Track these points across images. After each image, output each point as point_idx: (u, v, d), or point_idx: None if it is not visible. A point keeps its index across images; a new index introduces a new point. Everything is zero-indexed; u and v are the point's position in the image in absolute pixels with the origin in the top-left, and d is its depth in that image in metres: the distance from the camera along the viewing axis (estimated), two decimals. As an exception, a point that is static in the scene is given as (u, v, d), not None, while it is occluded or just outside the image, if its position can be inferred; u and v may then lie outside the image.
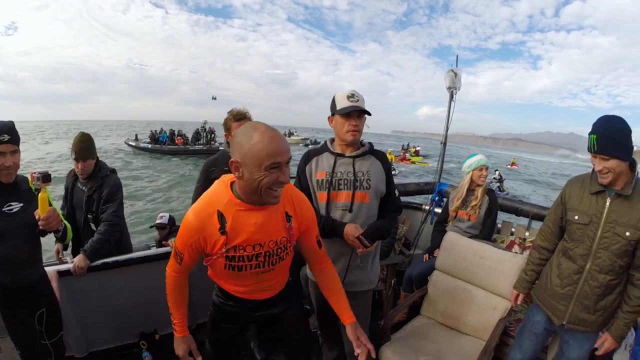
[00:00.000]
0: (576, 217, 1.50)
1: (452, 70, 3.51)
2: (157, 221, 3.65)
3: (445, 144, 3.40)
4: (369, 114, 1.57)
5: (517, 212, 3.00)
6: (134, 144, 23.74)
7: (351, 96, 1.53)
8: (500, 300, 1.97)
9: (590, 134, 1.40)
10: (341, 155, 1.61)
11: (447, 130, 3.36)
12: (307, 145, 41.89)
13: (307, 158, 1.66)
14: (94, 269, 1.99)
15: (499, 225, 2.88)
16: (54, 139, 40.01)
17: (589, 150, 1.41)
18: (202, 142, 23.04)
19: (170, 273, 1.30)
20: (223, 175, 1.23)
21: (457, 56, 3.71)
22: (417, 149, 32.45)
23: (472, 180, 2.56)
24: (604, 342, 1.52)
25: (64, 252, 2.36)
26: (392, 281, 2.65)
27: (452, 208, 2.62)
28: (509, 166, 31.90)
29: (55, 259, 2.33)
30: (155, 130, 24.10)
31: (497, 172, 18.11)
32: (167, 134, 23.57)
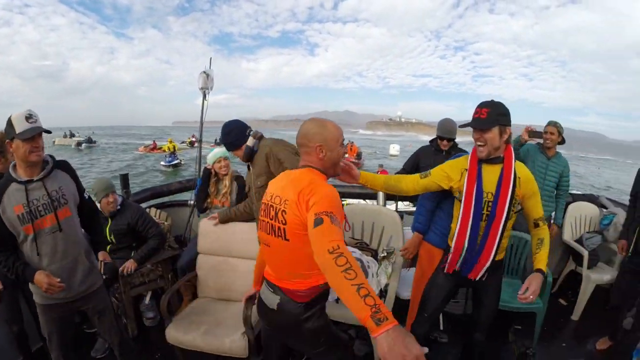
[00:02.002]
0: (258, 183, 2.10)
1: (205, 72, 3.75)
2: None
3: (201, 140, 3.63)
4: (49, 132, 1.62)
5: None
6: None
7: (29, 117, 1.56)
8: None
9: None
10: (30, 181, 1.61)
11: (201, 127, 3.60)
12: (79, 145, 33.84)
13: None
14: None
15: None
16: None
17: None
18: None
19: (342, 242, 1.09)
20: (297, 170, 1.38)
21: (211, 58, 3.93)
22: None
23: (216, 171, 2.81)
24: None
25: None
26: (169, 275, 2.75)
27: (210, 199, 2.85)
28: None
29: None
30: None
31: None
32: None
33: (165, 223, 3.23)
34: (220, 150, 2.81)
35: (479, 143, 1.60)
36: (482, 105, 1.58)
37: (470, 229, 1.65)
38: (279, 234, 1.30)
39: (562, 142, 2.97)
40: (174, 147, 23.29)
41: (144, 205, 3.36)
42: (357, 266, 1.01)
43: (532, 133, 2.77)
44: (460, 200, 1.67)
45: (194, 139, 31.91)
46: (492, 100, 1.61)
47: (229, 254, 2.32)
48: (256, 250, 2.26)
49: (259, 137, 2.09)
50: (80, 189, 1.80)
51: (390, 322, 0.89)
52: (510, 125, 1.60)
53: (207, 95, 3.63)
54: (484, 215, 1.64)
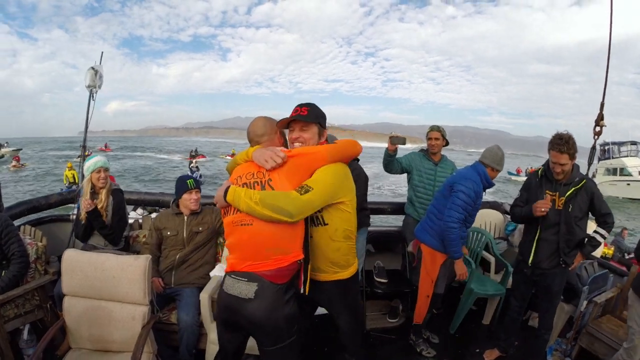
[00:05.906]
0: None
1: (93, 68, 3.27)
2: None
3: (85, 146, 3.20)
4: None
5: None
6: None
7: None
8: (136, 307, 1.96)
9: None
10: None
11: (86, 130, 3.19)
12: None
13: None
14: None
15: None
16: None
17: None
18: None
19: None
20: None
21: (102, 52, 3.47)
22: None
23: (93, 183, 2.48)
24: None
25: None
26: (49, 304, 2.36)
27: (82, 215, 2.46)
28: (229, 157, 31.62)
29: None
30: None
31: (195, 162, 21.04)
32: None
33: (40, 244, 2.70)
34: (101, 160, 2.51)
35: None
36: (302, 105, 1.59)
37: None
38: None
39: (446, 144, 3.00)
40: (74, 176, 16.46)
41: (19, 221, 2.88)
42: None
43: (394, 139, 2.71)
44: None
45: (104, 149, 29.47)
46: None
47: (100, 295, 1.93)
48: (134, 291, 1.92)
49: None
50: None
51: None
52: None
53: (94, 95, 3.18)
54: None
